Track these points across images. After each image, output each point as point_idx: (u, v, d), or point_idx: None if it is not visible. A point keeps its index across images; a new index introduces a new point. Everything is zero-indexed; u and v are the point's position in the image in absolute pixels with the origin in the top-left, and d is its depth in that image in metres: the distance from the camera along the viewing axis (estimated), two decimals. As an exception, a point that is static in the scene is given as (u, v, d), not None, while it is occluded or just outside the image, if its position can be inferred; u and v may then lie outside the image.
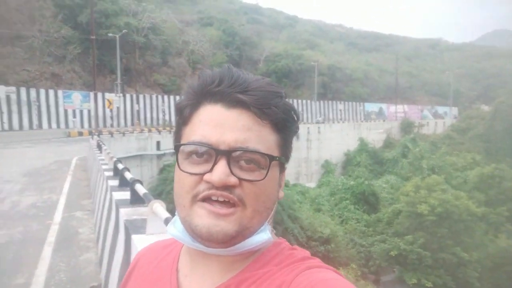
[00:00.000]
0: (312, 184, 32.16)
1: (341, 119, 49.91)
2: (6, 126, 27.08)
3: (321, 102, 49.43)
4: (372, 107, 54.69)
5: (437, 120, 53.83)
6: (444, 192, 19.72)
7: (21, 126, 27.86)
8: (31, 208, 8.07)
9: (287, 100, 0.76)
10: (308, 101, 47.76)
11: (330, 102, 50.69)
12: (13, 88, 27.63)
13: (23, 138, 21.33)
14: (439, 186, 20.65)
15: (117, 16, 35.63)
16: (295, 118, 0.76)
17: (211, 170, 0.69)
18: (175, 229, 0.78)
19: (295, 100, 43.83)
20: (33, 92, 28.79)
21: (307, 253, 0.76)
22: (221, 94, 0.72)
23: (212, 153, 0.70)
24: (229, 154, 0.69)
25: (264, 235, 0.74)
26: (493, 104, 40.72)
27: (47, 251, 5.61)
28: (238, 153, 0.69)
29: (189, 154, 0.72)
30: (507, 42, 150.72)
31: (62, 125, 29.63)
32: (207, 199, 0.70)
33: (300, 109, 45.05)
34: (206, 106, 0.74)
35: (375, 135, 42.84)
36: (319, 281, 0.65)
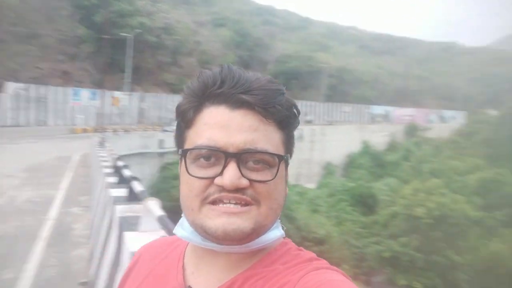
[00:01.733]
0: (311, 185, 32.46)
1: (347, 121, 50.01)
2: (13, 121, 27.65)
3: (328, 104, 49.61)
4: (378, 109, 54.60)
5: (443, 124, 53.51)
6: (443, 196, 19.88)
7: (28, 122, 28.44)
8: (27, 203, 8.10)
9: (288, 96, 0.76)
10: (314, 103, 47.95)
11: (336, 104, 50.84)
12: (22, 85, 28.31)
13: (28, 134, 21.57)
14: (438, 189, 20.81)
15: (132, 16, 36.24)
16: (296, 114, 0.77)
17: (221, 173, 0.68)
18: (183, 231, 0.77)
19: (301, 101, 44.13)
20: (42, 89, 29.48)
21: (313, 254, 0.77)
22: (224, 96, 0.71)
23: (221, 156, 0.69)
24: (239, 157, 0.68)
25: (277, 232, 0.75)
26: (501, 108, 40.43)
27: (39, 246, 5.59)
28: (247, 154, 0.69)
29: (196, 157, 0.71)
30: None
31: (69, 121, 30.12)
32: (217, 202, 0.69)
33: (305, 110, 45.34)
34: (209, 108, 0.73)
35: (379, 138, 42.86)
36: (325, 281, 0.65)
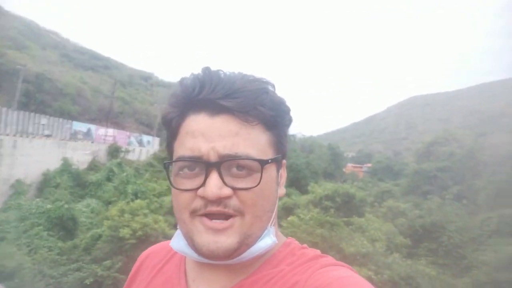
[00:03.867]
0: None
1: (44, 134, 44.90)
2: None
3: (22, 112, 43.00)
4: (80, 126, 52.26)
5: (142, 148, 57.29)
6: (146, 216, 21.08)
7: None
8: None
9: (274, 94, 0.72)
10: (4, 109, 40.47)
11: (33, 114, 44.84)
12: None
13: None
14: (142, 210, 21.92)
15: None
16: (286, 110, 0.73)
17: (203, 184, 0.66)
18: (179, 244, 0.75)
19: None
20: None
21: (317, 251, 0.74)
22: (203, 102, 0.68)
23: (202, 166, 0.67)
24: (219, 165, 0.65)
25: (268, 240, 0.71)
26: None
27: None
28: (228, 162, 0.66)
29: (181, 168, 0.69)
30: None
31: None
32: (206, 215, 0.68)
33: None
34: (191, 117, 0.70)
35: (81, 156, 40.93)
36: (335, 279, 0.63)
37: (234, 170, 0.66)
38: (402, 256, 15.50)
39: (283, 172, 0.77)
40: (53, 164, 38.10)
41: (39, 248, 20.93)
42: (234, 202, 0.66)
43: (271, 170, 0.70)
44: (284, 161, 0.76)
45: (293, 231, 19.31)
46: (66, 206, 24.37)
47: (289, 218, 21.43)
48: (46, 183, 34.99)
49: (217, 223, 0.66)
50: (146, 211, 23.15)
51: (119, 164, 38.48)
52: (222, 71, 0.69)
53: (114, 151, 48.42)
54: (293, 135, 63.58)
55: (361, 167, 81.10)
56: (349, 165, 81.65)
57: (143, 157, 53.78)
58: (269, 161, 0.68)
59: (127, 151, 50.63)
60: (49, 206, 24.29)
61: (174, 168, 0.70)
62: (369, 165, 79.27)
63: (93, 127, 58.53)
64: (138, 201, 23.89)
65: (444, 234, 22.58)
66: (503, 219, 22.19)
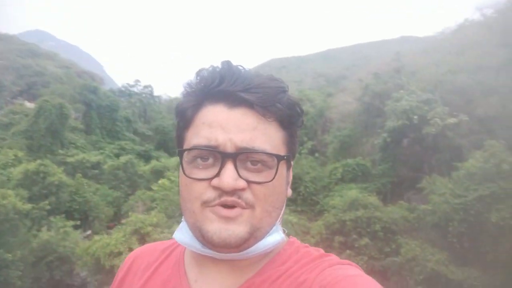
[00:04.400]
0: None
1: None
2: None
3: None
4: None
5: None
6: (-10, 191, 18.18)
7: None
8: None
9: (290, 94, 0.72)
10: None
11: None
12: None
13: None
14: (-18, 186, 18.77)
15: None
16: (300, 112, 0.73)
17: (218, 174, 0.64)
18: (183, 236, 0.72)
19: None
20: None
21: (321, 250, 0.75)
22: (223, 94, 0.67)
23: (218, 157, 0.65)
24: (236, 157, 0.64)
25: (277, 236, 0.71)
26: (37, 101, 41.61)
27: None
28: (244, 154, 0.65)
29: (194, 158, 0.67)
30: (48, 45, 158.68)
31: None
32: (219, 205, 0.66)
33: None
34: (207, 107, 0.68)
35: None
36: (342, 278, 0.64)
37: (249, 164, 0.66)
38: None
39: (290, 173, 0.77)
40: None
41: None
42: (247, 195, 0.66)
43: (282, 168, 0.70)
44: (292, 163, 0.77)
45: (165, 193, 19.24)
46: None
47: (159, 181, 21.19)
48: None
49: (229, 211, 0.66)
50: (-11, 186, 19.97)
51: None
52: (241, 66, 0.70)
53: None
54: (158, 97, 61.49)
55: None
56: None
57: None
58: (285, 157, 0.69)
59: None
60: None
61: (186, 157, 0.68)
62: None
63: None
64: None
65: (301, 185, 25.54)
66: (346, 168, 26.14)
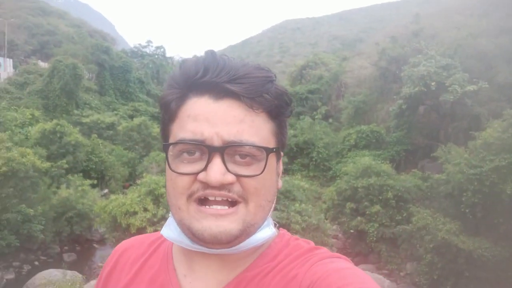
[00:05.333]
0: None
1: None
2: None
3: None
4: None
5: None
6: (9, 150, 18.64)
7: None
8: None
9: (277, 84, 0.70)
10: None
11: None
12: None
13: None
14: (3, 144, 19.23)
15: None
16: (288, 102, 0.71)
17: (205, 168, 0.62)
18: (171, 232, 0.70)
19: None
20: None
21: (311, 243, 0.74)
22: (207, 85, 0.65)
23: (204, 150, 0.63)
24: (223, 150, 0.63)
25: (268, 231, 0.70)
26: (50, 61, 41.61)
27: None
28: (232, 148, 0.63)
29: (180, 152, 0.65)
30: (57, 3, 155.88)
31: None
32: (204, 201, 0.64)
33: None
34: (192, 99, 0.66)
35: None
36: (333, 271, 0.64)
37: (238, 157, 0.64)
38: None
39: (280, 165, 0.75)
40: None
41: None
42: (237, 188, 0.64)
43: (272, 160, 0.69)
44: (282, 154, 0.75)
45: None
46: None
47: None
48: None
49: (219, 209, 0.64)
50: (9, 144, 20.43)
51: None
52: (226, 55, 0.68)
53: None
54: (170, 58, 60.93)
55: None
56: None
57: (-6, 82, 47.54)
58: (274, 149, 0.68)
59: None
60: None
61: (172, 151, 0.66)
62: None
63: None
64: (-2, 134, 20.78)
65: (314, 151, 25.58)
66: (359, 134, 26.01)
